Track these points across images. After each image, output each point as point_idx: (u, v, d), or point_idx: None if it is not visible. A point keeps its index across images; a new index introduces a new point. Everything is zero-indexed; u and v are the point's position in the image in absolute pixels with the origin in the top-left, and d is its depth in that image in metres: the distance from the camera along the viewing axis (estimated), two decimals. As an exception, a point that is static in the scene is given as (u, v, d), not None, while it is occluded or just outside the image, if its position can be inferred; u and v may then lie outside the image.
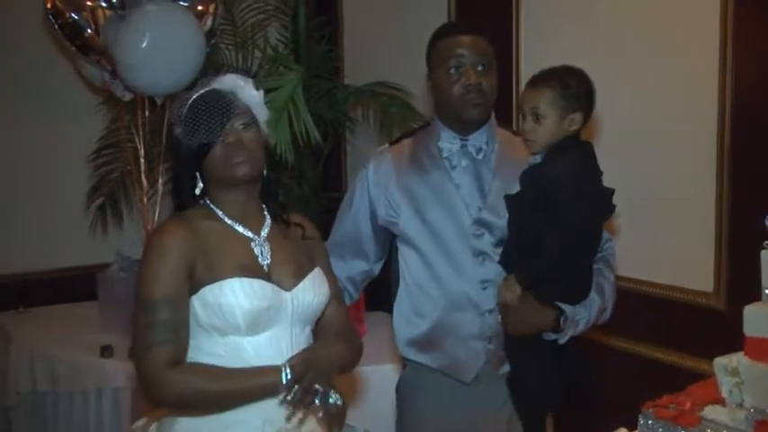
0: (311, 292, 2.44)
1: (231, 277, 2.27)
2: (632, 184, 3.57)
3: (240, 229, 2.39)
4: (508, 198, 2.68)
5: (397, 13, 4.81)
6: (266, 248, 2.41)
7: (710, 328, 3.32)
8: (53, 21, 4.19)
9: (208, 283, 2.25)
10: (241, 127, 2.34)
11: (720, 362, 2.13)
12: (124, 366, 3.95)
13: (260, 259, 2.38)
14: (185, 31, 4.12)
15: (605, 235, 2.81)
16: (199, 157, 2.31)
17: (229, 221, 2.38)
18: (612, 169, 3.64)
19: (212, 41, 4.54)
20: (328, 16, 5.26)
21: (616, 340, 3.71)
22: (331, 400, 2.23)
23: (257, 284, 2.30)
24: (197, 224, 2.32)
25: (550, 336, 2.65)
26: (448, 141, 2.81)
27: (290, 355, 2.30)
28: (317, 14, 5.18)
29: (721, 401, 2.05)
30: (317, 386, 2.23)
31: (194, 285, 2.26)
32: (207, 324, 2.26)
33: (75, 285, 4.96)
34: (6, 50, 5.00)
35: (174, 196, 2.43)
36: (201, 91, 2.36)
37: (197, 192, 2.36)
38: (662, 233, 3.51)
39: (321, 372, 2.28)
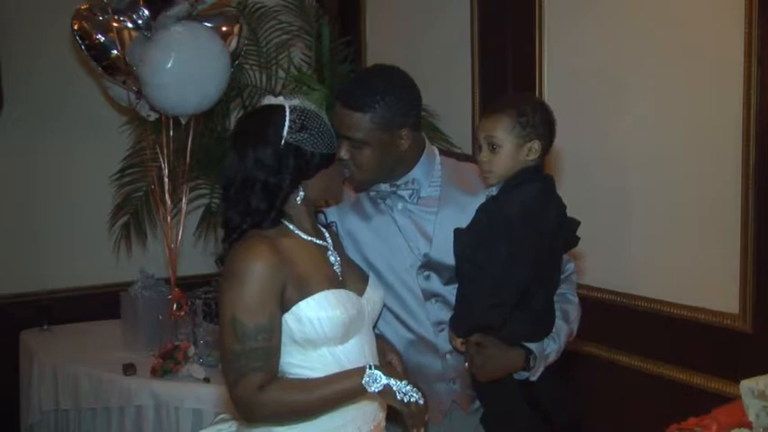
0: (376, 294, 2.55)
1: (321, 291, 2.33)
2: (654, 201, 3.58)
3: (316, 240, 2.45)
4: (456, 232, 2.56)
5: (421, 33, 4.85)
6: (336, 256, 2.48)
7: (737, 351, 3.29)
8: (80, 42, 4.22)
9: (300, 300, 2.30)
10: None
11: (747, 384, 2.12)
12: (147, 384, 3.96)
13: (335, 267, 2.45)
14: (210, 51, 4.15)
15: (564, 257, 2.71)
16: (310, 168, 2.36)
17: (304, 235, 2.42)
18: (633, 185, 3.66)
19: (237, 62, 4.56)
20: (352, 36, 5.30)
21: (640, 361, 3.68)
22: (413, 399, 2.22)
23: (344, 294, 2.38)
24: (279, 243, 2.33)
25: (522, 375, 2.57)
26: (376, 188, 2.69)
27: (373, 357, 2.45)
28: (340, 35, 5.22)
29: (748, 425, 2.04)
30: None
31: (286, 304, 2.29)
32: (302, 339, 2.31)
33: (99, 303, 4.98)
34: (33, 71, 5.05)
35: (251, 214, 2.34)
36: (304, 105, 2.40)
37: (298, 201, 2.38)
38: (686, 253, 3.48)
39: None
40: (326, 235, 2.52)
